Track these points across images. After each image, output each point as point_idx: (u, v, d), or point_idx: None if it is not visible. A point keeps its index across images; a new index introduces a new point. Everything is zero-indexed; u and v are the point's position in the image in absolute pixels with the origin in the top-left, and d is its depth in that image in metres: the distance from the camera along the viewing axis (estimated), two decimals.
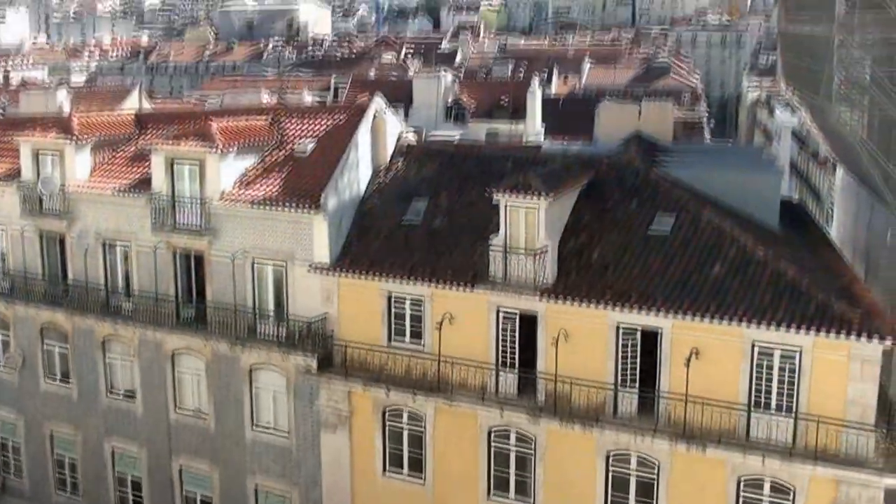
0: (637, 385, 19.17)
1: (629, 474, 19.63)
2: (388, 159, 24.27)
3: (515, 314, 20.15)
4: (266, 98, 45.82)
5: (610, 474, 19.76)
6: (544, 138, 44.39)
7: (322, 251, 22.14)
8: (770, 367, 17.95)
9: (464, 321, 20.61)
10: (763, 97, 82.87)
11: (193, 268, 23.99)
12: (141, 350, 25.04)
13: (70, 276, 25.87)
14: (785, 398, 17.94)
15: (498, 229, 19.98)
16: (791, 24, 29.96)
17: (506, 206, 19.77)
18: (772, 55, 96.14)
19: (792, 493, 18.13)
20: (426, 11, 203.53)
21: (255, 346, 22.88)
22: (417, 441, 21.86)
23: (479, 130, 48.87)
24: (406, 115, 45.50)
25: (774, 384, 17.94)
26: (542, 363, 19.92)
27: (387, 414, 22.10)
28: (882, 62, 21.17)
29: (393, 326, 21.65)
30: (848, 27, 21.79)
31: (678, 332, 18.44)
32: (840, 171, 31.69)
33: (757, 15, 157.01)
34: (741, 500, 18.67)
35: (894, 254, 21.77)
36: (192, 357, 24.34)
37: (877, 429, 17.38)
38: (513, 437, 20.75)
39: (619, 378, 19.25)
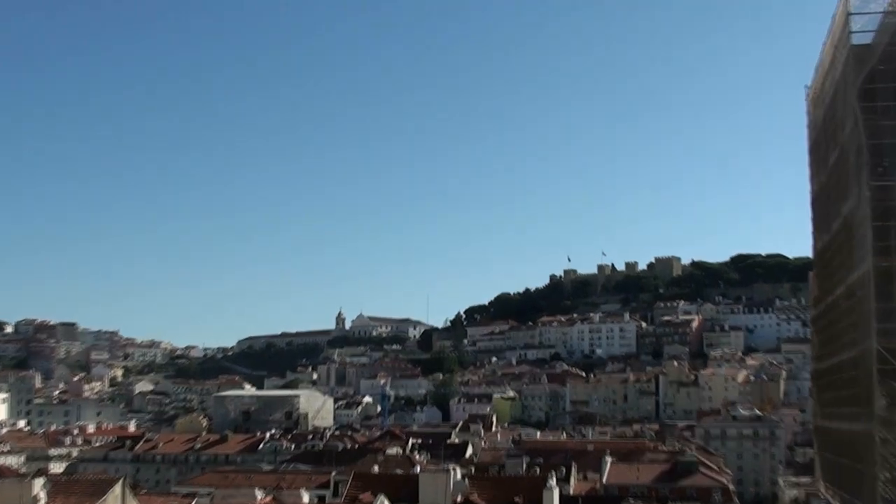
0: None
1: None
2: None
3: None
4: (260, 496, 46.11)
5: None
6: None
7: None
8: None
9: None
10: (801, 497, 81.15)
11: None
12: None
13: None
14: None
15: None
16: (827, 420, 30.47)
17: None
18: (809, 450, 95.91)
19: None
20: (434, 401, 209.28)
21: None
22: None
23: None
24: None
25: None
26: None
27: None
28: None
29: None
30: (889, 424, 22.15)
31: None
32: None
33: (791, 406, 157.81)
34: None
35: None
36: None
37: None
38: None
39: None
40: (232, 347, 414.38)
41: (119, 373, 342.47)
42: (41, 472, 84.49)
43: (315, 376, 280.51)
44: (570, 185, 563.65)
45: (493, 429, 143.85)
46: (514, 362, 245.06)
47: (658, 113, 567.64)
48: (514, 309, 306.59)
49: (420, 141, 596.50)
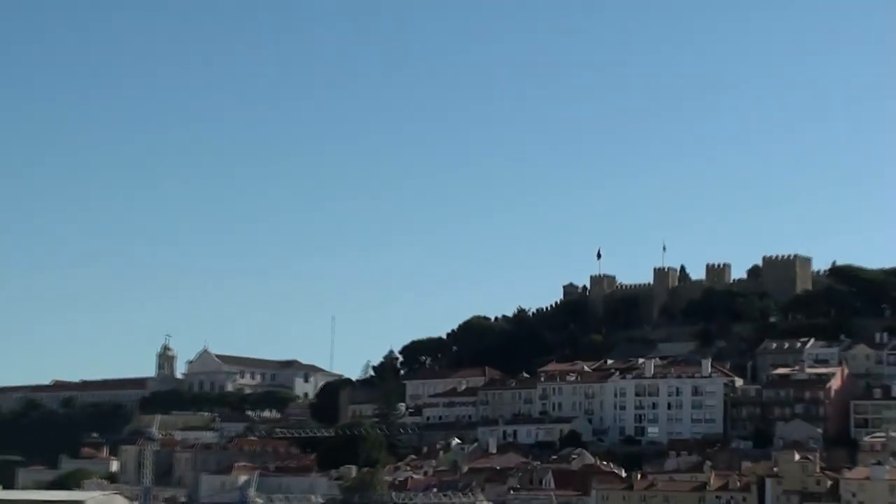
0: None
1: None
2: None
3: None
4: None
5: None
6: None
7: None
8: None
9: None
10: None
11: None
12: None
13: None
14: None
15: None
16: None
17: None
18: None
19: None
20: None
21: None
22: None
23: None
24: None
25: None
26: None
27: None
28: None
29: None
30: None
31: None
32: None
33: None
34: None
35: None
36: None
37: None
38: None
39: None
40: None
41: None
42: None
43: (115, 465, 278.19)
44: (603, 129, 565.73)
45: None
46: (493, 447, 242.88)
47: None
48: (495, 347, 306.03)
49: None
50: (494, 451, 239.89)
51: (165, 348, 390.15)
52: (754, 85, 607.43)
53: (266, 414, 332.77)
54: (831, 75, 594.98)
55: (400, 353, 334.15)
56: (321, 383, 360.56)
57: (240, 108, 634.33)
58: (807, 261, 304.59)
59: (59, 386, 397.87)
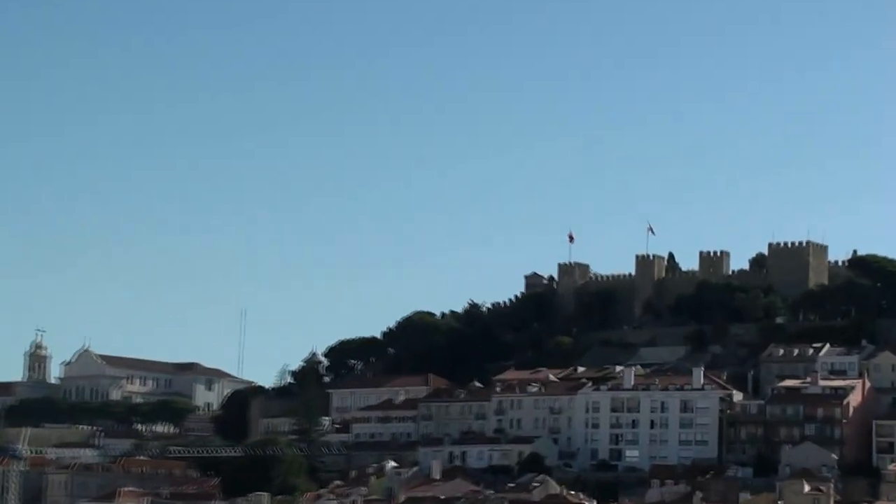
0: None
1: None
2: None
3: None
4: None
5: None
6: None
7: None
8: None
9: None
10: None
11: None
12: None
13: None
14: None
15: None
16: None
17: None
18: None
19: None
20: None
21: None
22: None
23: None
24: None
25: None
26: None
27: None
28: None
29: None
30: None
31: None
32: None
33: None
34: None
35: None
36: None
37: None
38: None
39: None
40: None
41: None
42: None
43: None
44: (576, 87, 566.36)
45: None
46: (436, 472, 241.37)
47: None
48: (441, 350, 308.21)
49: None
50: (438, 476, 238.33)
51: (37, 346, 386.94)
52: (760, 32, 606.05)
53: (159, 428, 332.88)
54: (856, 24, 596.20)
55: (324, 355, 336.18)
56: (227, 392, 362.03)
57: (141, 60, 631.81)
58: (821, 249, 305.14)
59: None
